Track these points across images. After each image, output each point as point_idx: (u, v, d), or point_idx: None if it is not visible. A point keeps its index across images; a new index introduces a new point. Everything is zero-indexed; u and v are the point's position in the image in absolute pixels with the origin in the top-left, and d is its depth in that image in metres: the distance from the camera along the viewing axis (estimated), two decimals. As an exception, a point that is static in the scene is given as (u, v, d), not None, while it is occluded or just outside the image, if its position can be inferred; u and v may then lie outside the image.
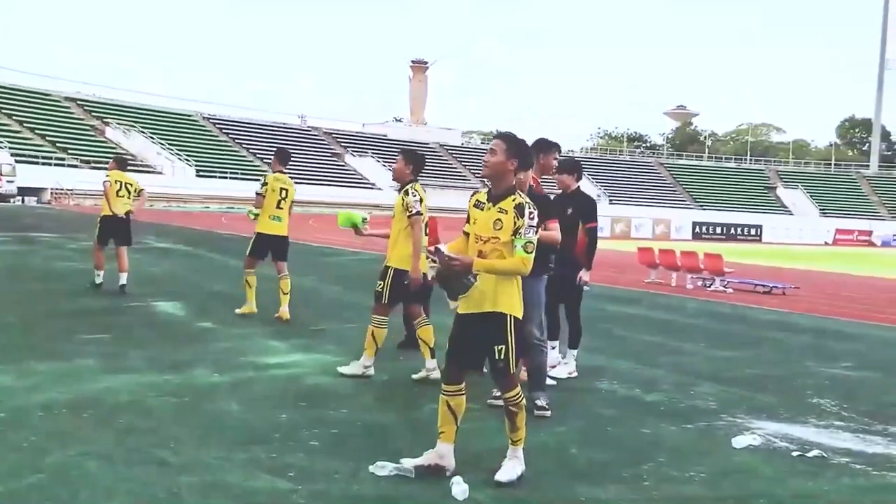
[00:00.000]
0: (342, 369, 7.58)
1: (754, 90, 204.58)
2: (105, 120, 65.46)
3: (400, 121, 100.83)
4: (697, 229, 55.29)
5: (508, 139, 4.97)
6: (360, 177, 74.97)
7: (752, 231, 57.62)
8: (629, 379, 7.99)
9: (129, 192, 12.56)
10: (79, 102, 67.34)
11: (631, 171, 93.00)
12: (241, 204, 54.17)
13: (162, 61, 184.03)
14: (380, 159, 77.62)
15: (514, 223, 4.78)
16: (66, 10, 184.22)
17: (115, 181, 12.45)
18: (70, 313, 10.36)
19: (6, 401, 6.17)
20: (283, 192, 10.56)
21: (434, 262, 4.91)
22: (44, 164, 52.36)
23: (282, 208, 10.57)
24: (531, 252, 4.81)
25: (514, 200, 4.84)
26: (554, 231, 6.63)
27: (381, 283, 7.57)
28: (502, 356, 4.90)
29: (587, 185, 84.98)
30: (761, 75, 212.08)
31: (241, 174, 65.42)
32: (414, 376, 7.57)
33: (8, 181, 43.79)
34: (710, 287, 17.63)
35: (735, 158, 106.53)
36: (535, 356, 6.66)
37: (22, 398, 6.28)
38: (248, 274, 10.65)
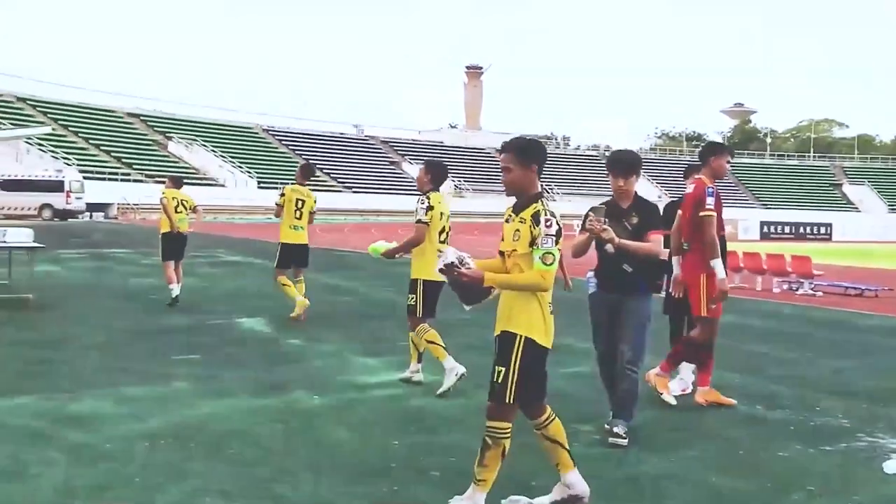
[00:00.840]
0: (440, 391, 7.24)
1: (813, 85, 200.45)
2: (168, 135, 66.37)
3: (455, 127, 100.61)
4: (765, 229, 54.01)
5: (515, 148, 4.51)
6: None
7: (822, 230, 56.18)
8: (747, 394, 7.52)
9: (186, 209, 12.90)
10: (142, 118, 68.35)
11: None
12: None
13: (217, 75, 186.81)
14: (437, 166, 77.41)
15: (531, 233, 4.35)
16: (124, 28, 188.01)
17: (172, 198, 12.75)
18: (156, 332, 10.23)
19: (110, 430, 5.97)
20: (300, 202, 11.15)
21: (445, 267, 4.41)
22: (110, 179, 53.17)
23: (300, 218, 11.15)
24: (551, 265, 4.32)
25: (533, 209, 4.42)
26: (652, 243, 5.97)
27: (413, 296, 7.51)
28: (500, 379, 4.37)
29: (647, 186, 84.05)
30: (819, 69, 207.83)
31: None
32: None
33: (77, 198, 44.35)
34: (797, 291, 16.97)
35: (798, 155, 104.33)
36: (623, 383, 6.04)
37: (125, 427, 6.08)
38: (282, 281, 11.26)
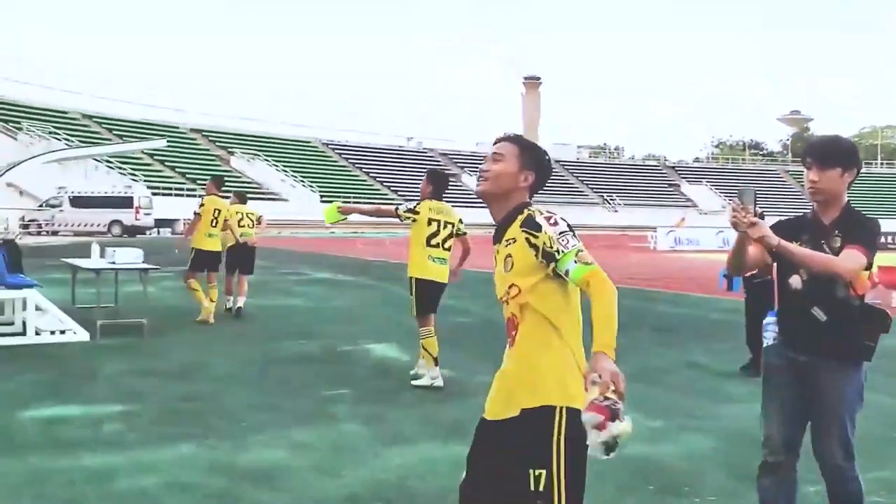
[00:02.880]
0: (415, 382, 7.97)
1: (867, 93, 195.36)
2: (229, 150, 66.44)
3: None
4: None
5: (522, 143, 3.21)
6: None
7: (912, 239, 53.94)
8: None
9: (252, 222, 13.37)
10: (203, 133, 68.54)
11: (755, 180, 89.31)
12: (368, 229, 53.96)
13: (275, 90, 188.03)
14: (497, 178, 76.59)
15: (530, 245, 2.96)
16: (178, 42, 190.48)
17: (236, 213, 13.07)
18: (287, 361, 9.45)
19: (304, 489, 5.15)
20: (217, 212, 12.39)
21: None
22: (176, 195, 53.17)
23: (215, 227, 12.33)
24: (591, 263, 2.88)
25: (520, 219, 3.03)
26: (844, 260, 3.67)
27: (410, 297, 7.96)
28: (542, 487, 2.88)
29: (710, 195, 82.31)
30: (871, 76, 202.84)
31: (364, 198, 65.40)
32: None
33: (146, 213, 44.32)
34: (940, 308, 15.64)
35: (865, 162, 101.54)
36: (841, 488, 3.86)
37: (318, 484, 5.26)
38: (191, 284, 12.19)
